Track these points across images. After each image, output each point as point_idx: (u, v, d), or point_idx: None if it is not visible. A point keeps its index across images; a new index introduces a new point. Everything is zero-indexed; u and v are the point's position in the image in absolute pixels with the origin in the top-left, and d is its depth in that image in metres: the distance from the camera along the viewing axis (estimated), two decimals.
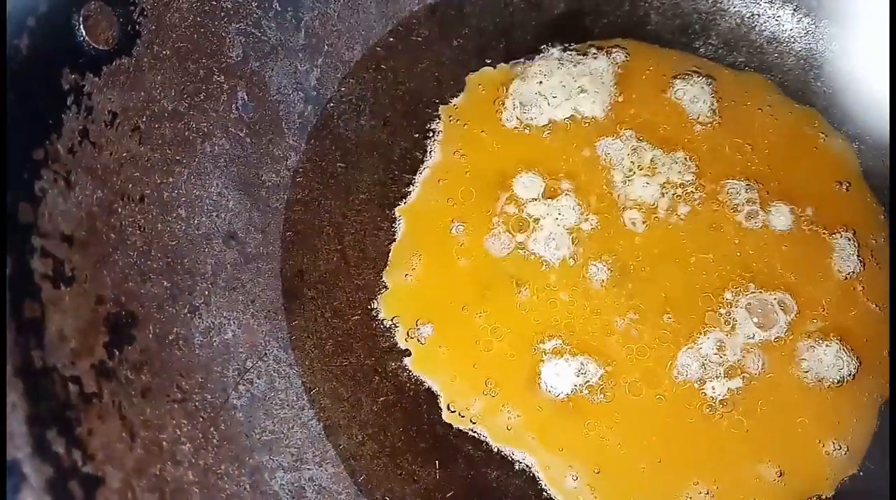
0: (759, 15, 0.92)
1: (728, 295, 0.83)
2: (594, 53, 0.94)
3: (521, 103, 0.90)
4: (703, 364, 0.81)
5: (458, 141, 0.90)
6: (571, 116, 0.91)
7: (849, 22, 0.90)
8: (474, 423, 0.79)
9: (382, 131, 0.89)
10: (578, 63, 0.93)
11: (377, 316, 0.83)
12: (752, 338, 0.82)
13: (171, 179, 0.75)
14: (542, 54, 0.93)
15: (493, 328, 0.83)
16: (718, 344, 0.82)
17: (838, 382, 0.81)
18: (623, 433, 0.80)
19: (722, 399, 0.80)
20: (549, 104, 0.91)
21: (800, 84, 0.89)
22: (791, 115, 0.90)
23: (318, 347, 0.80)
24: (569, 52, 0.93)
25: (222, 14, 0.79)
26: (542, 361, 0.82)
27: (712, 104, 0.91)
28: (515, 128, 0.90)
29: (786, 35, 0.92)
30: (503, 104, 0.90)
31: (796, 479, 0.79)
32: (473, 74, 0.91)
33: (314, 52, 0.86)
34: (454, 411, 0.80)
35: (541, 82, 0.91)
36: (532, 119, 0.90)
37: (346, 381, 0.79)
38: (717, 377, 0.81)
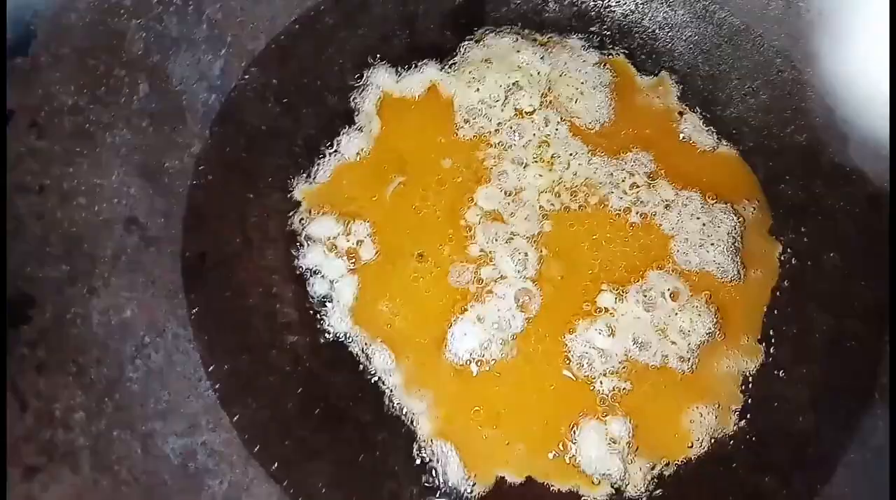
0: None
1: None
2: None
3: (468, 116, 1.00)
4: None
5: (366, 126, 0.99)
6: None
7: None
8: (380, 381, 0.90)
9: (287, 118, 0.98)
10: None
11: (276, 293, 0.92)
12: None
13: (71, 170, 0.85)
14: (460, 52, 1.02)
15: (394, 303, 0.92)
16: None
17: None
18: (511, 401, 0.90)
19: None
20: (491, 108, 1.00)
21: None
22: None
23: (218, 324, 0.89)
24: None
25: (122, 11, 0.89)
26: (450, 327, 0.91)
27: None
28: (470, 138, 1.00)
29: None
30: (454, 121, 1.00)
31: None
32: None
33: (217, 43, 0.95)
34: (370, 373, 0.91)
35: (478, 89, 1.00)
36: (483, 128, 0.99)
37: (244, 355, 0.89)
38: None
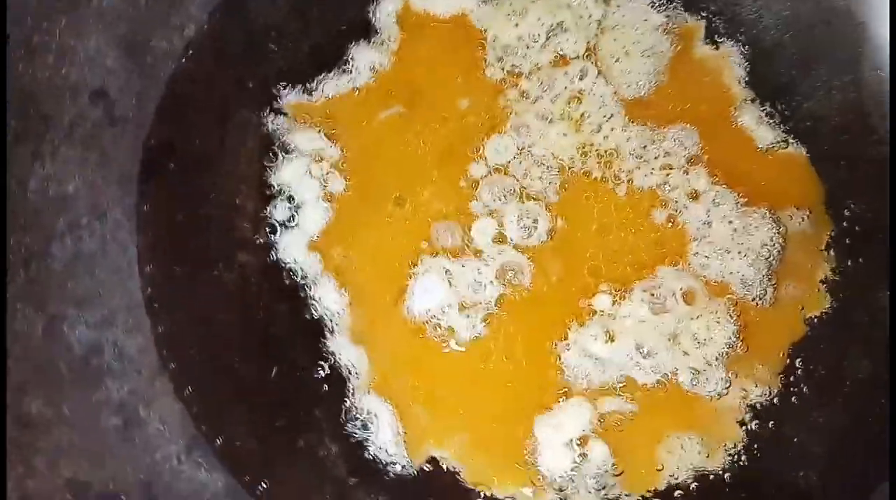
0: None
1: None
2: None
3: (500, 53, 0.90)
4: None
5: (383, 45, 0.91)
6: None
7: None
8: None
9: (296, 21, 0.91)
10: None
11: (239, 205, 0.85)
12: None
13: (45, 25, 0.80)
14: None
15: (357, 242, 0.84)
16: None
17: None
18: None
19: None
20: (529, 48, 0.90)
21: None
22: None
23: (167, 223, 0.83)
24: None
25: None
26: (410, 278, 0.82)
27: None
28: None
29: None
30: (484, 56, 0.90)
31: None
32: None
33: None
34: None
35: (517, 24, 0.90)
36: (516, 67, 0.89)
37: (187, 264, 0.83)
38: None
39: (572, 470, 0.78)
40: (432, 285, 0.80)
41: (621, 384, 0.81)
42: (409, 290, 0.81)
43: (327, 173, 0.87)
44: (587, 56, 0.89)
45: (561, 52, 0.90)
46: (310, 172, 0.86)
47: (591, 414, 0.79)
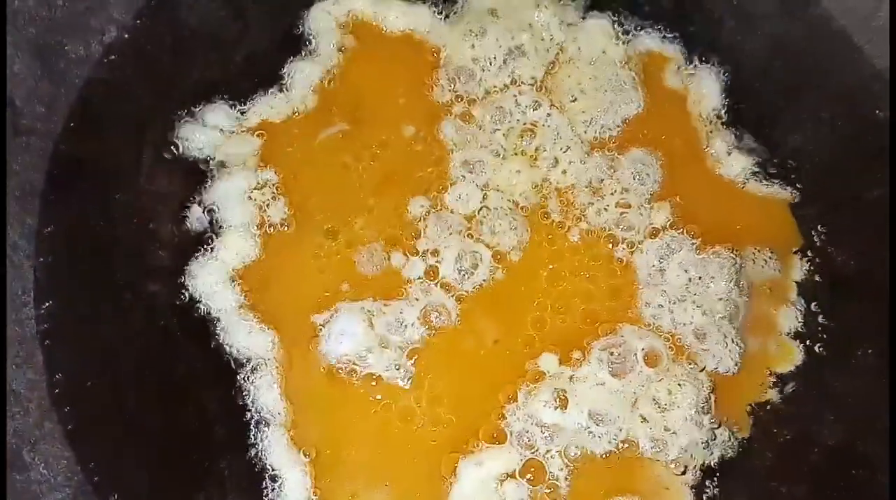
0: None
1: None
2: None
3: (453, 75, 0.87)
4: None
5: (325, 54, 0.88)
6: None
7: None
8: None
9: (232, 25, 0.88)
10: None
11: (154, 229, 0.82)
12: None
13: None
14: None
15: (278, 277, 0.81)
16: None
17: None
18: None
19: None
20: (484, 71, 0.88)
21: None
22: None
23: (71, 246, 0.80)
24: None
25: None
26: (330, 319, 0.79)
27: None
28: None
29: None
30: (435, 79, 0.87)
31: None
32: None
33: None
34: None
35: (473, 45, 0.87)
36: (468, 93, 0.87)
37: (89, 291, 0.80)
38: None
39: None
40: (351, 327, 0.76)
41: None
42: (327, 332, 0.76)
43: (260, 198, 0.83)
44: (542, 89, 0.86)
45: (516, 78, 0.87)
46: (246, 196, 0.83)
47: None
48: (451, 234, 0.82)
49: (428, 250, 0.82)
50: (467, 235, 0.82)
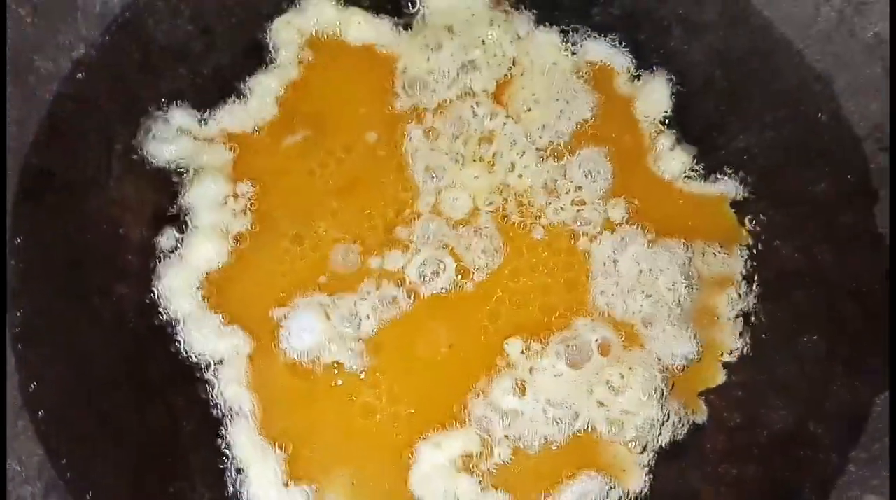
0: None
1: None
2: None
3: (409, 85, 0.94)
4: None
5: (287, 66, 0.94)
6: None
7: None
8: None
9: (198, 40, 0.95)
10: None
11: (123, 235, 0.88)
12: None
13: None
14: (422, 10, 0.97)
15: (241, 277, 0.87)
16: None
17: None
18: None
19: None
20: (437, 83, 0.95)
21: None
22: None
23: (41, 253, 0.86)
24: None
25: None
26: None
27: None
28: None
29: None
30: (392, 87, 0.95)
31: None
32: None
33: None
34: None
35: (428, 58, 0.95)
36: (422, 102, 0.94)
37: (59, 296, 0.85)
38: None
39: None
40: (310, 322, 0.82)
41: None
42: (288, 328, 0.82)
43: (232, 205, 0.89)
44: (498, 101, 0.93)
45: (471, 91, 0.94)
46: (218, 203, 0.89)
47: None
48: (427, 239, 0.89)
49: (396, 252, 0.88)
50: (440, 245, 0.89)
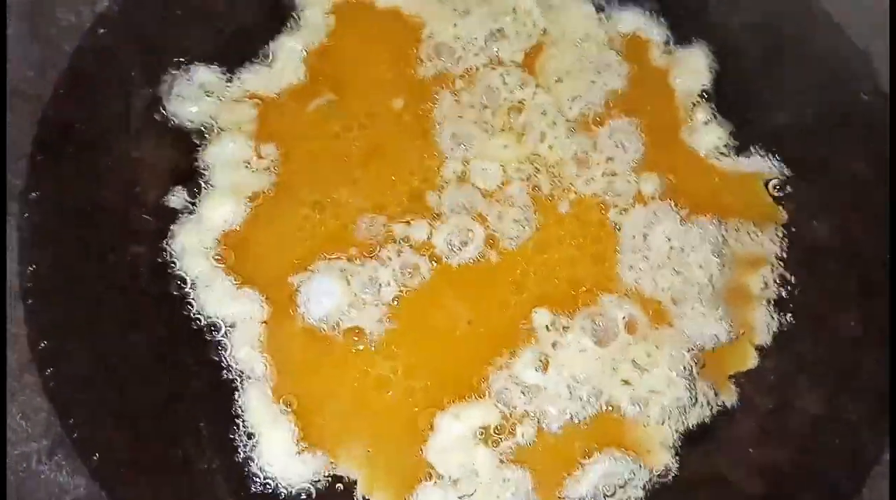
0: None
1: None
2: None
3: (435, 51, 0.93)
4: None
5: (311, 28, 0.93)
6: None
7: None
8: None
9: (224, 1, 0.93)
10: None
11: (139, 192, 0.86)
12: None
13: None
14: None
15: (258, 241, 0.85)
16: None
17: None
18: None
19: None
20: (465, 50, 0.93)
21: None
22: None
23: (55, 208, 0.84)
24: None
25: None
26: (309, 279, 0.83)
27: None
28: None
29: None
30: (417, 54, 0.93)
31: None
32: None
33: None
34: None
35: (456, 24, 0.93)
36: (448, 69, 0.92)
37: (72, 252, 0.84)
38: None
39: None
40: (330, 286, 0.80)
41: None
42: (306, 292, 0.81)
43: (255, 165, 0.88)
44: (525, 69, 0.91)
45: (498, 59, 0.92)
46: (239, 163, 0.88)
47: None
48: (455, 207, 0.87)
49: (421, 221, 0.86)
50: (469, 213, 0.87)
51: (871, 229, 0.88)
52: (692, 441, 0.82)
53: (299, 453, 0.78)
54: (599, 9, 0.95)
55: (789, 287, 0.86)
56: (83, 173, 0.87)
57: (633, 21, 0.95)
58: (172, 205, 0.86)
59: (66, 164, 0.86)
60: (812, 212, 0.89)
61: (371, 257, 0.84)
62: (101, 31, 0.91)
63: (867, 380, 0.84)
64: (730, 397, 0.83)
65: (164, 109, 0.89)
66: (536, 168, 0.89)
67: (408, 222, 0.86)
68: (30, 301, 0.82)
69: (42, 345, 0.81)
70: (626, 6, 0.95)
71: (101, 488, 0.76)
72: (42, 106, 0.87)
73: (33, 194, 0.85)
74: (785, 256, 0.87)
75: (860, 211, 0.88)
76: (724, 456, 0.82)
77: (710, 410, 0.82)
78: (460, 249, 0.85)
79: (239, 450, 0.79)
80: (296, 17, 0.93)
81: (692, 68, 0.93)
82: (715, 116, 0.91)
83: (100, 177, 0.87)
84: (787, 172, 0.90)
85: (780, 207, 0.89)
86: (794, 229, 0.89)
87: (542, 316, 0.83)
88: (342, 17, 0.94)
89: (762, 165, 0.90)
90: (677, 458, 0.81)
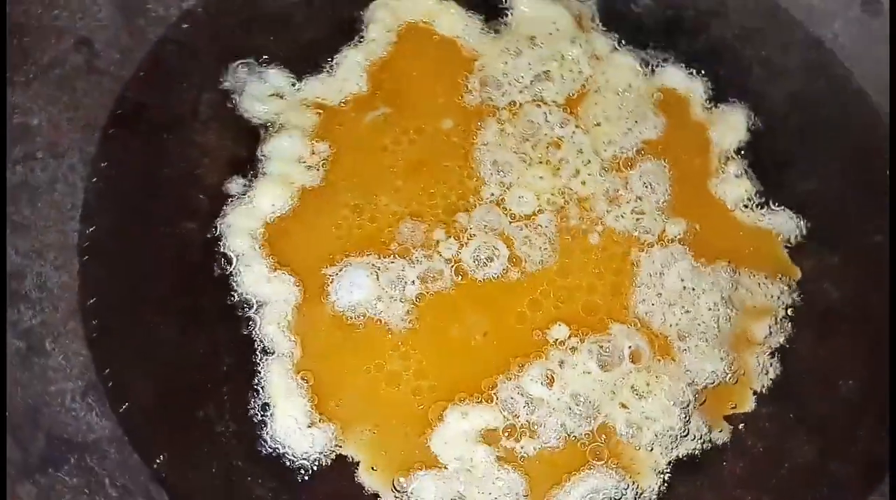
0: None
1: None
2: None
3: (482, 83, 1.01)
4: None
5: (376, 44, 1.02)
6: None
7: None
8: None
9: (302, 10, 1.02)
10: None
11: (199, 174, 0.95)
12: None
13: None
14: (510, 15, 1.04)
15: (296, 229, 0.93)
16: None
17: None
18: None
19: None
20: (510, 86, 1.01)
21: None
22: None
23: (121, 177, 0.93)
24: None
25: None
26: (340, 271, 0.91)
27: None
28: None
29: None
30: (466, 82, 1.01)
31: None
32: None
33: None
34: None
35: (506, 62, 1.01)
36: (492, 100, 1.00)
37: (129, 220, 0.92)
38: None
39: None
40: (361, 279, 0.88)
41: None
42: (338, 281, 0.89)
43: (309, 161, 0.96)
44: (567, 110, 0.98)
45: (541, 99, 1.00)
46: (295, 157, 0.96)
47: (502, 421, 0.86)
48: (485, 226, 0.94)
49: (452, 234, 0.93)
50: (497, 233, 0.94)
51: (883, 298, 0.92)
52: (681, 471, 0.86)
53: (309, 425, 0.84)
54: (644, 63, 1.02)
55: (794, 341, 0.91)
56: (150, 151, 0.95)
57: (676, 78, 1.02)
58: (228, 191, 0.94)
59: (136, 140, 0.95)
60: (827, 274, 0.94)
61: (402, 257, 0.90)
62: (185, 25, 1.00)
63: (859, 441, 0.88)
64: (723, 435, 0.87)
65: (234, 104, 0.97)
66: (566, 200, 0.95)
67: (438, 234, 0.93)
68: (85, 257, 0.90)
69: (90, 301, 0.88)
70: (670, 63, 1.02)
71: (124, 433, 0.82)
72: (122, 86, 0.96)
73: (103, 163, 0.93)
74: (793, 312, 0.92)
75: (876, 280, 0.93)
76: (711, 491, 0.86)
77: (702, 444, 0.86)
78: (485, 264, 0.91)
79: (255, 420, 0.85)
80: (364, 32, 1.01)
81: (731, 125, 1.00)
82: (746, 172, 0.97)
83: (164, 156, 0.95)
84: (807, 233, 0.95)
85: (796, 266, 0.94)
86: (806, 287, 0.93)
87: (560, 330, 0.89)
88: (404, 38, 1.02)
89: (784, 224, 0.96)
90: (665, 485, 0.85)
